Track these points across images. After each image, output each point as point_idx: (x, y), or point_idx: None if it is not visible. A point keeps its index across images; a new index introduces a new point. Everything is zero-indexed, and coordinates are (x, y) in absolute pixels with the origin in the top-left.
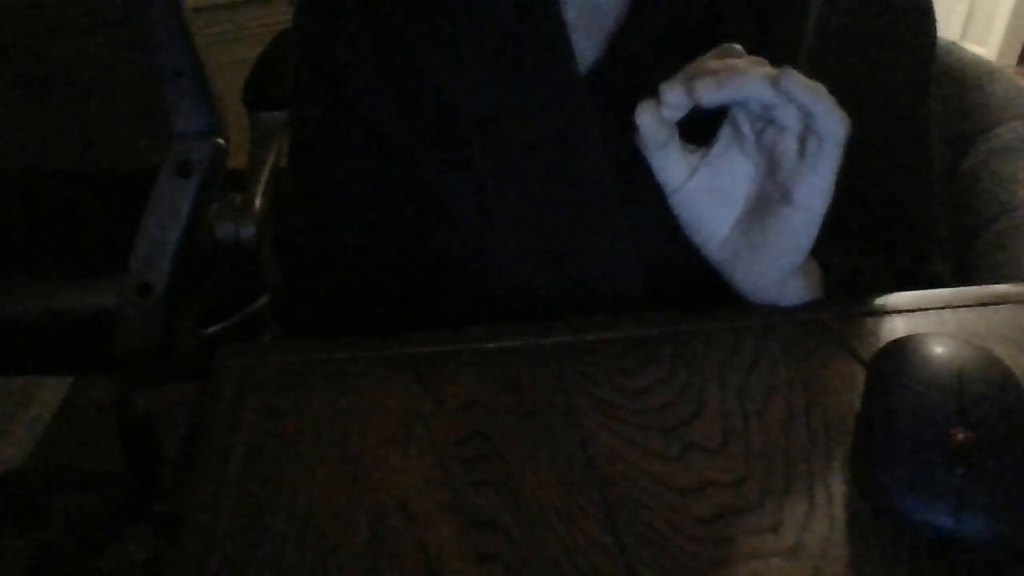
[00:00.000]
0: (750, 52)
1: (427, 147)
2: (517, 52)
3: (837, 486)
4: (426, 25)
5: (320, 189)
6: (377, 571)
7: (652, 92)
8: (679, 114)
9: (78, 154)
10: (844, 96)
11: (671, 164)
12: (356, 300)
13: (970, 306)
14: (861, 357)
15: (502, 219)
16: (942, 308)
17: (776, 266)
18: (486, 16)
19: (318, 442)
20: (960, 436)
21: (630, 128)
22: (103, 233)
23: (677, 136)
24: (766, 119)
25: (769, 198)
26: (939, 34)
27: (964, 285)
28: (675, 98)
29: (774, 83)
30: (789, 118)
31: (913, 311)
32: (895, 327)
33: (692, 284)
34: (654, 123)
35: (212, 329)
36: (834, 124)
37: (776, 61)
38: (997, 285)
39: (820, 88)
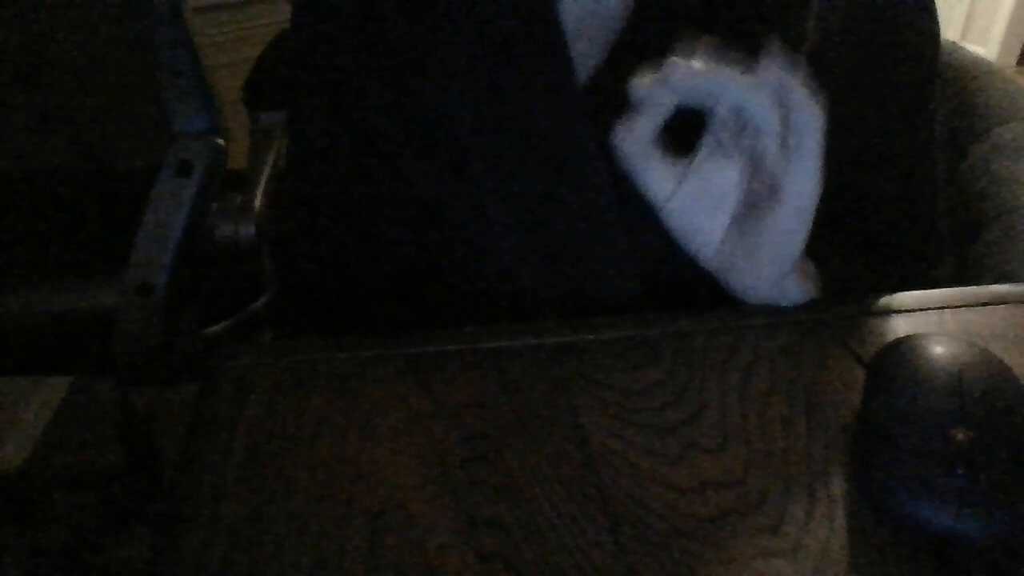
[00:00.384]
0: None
1: (423, 152)
2: (515, 59)
3: (837, 486)
4: (423, 30)
5: (317, 193)
6: (377, 571)
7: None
8: (657, 120)
9: (78, 154)
10: (846, 96)
11: (657, 179)
12: (355, 302)
13: (970, 306)
14: (861, 357)
15: (498, 224)
16: (942, 308)
17: (773, 266)
18: (484, 23)
19: (318, 442)
20: (960, 436)
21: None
22: (103, 233)
23: (659, 150)
24: (741, 123)
25: (758, 199)
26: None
27: (964, 285)
28: (645, 91)
29: (747, 71)
30: (764, 117)
31: (913, 311)
32: (895, 327)
33: (690, 289)
34: (632, 139)
35: (212, 329)
36: (810, 115)
37: None
38: (997, 285)
39: (793, 80)
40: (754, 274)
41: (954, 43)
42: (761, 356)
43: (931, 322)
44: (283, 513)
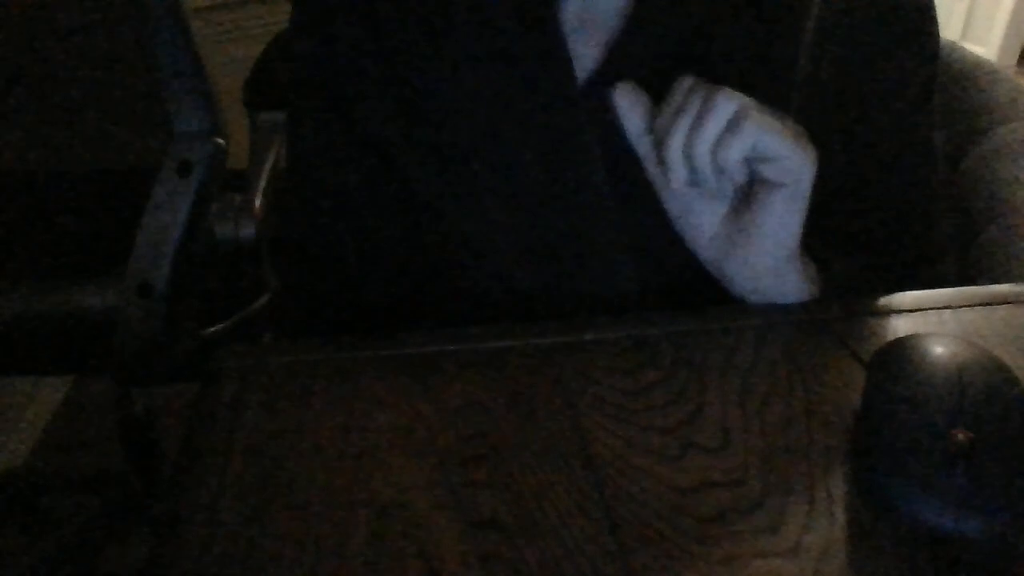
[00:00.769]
0: (750, 55)
1: (423, 153)
2: (515, 59)
3: (837, 486)
4: (423, 32)
5: (317, 195)
6: (377, 571)
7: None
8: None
9: (78, 154)
10: (846, 97)
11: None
12: (355, 301)
13: (970, 306)
14: (861, 357)
15: (498, 224)
16: (942, 308)
17: (769, 255)
18: (484, 24)
19: (318, 442)
20: (960, 436)
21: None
22: (103, 233)
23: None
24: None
25: (752, 186)
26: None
27: (964, 285)
28: (680, 168)
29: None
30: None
31: (913, 311)
32: (895, 327)
33: (689, 289)
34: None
35: (212, 329)
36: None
37: (777, 63)
38: (997, 285)
39: (782, 129)
40: (750, 266)
41: (954, 43)
42: (761, 356)
43: (931, 322)
44: (283, 513)
